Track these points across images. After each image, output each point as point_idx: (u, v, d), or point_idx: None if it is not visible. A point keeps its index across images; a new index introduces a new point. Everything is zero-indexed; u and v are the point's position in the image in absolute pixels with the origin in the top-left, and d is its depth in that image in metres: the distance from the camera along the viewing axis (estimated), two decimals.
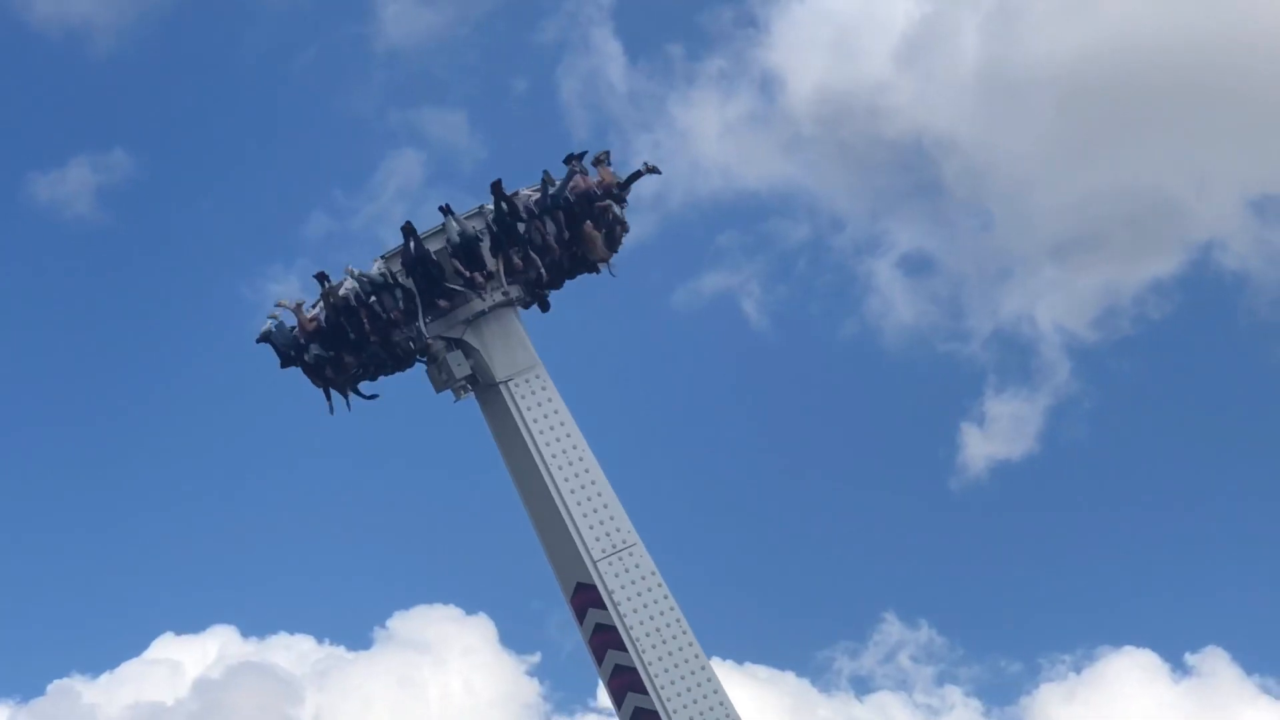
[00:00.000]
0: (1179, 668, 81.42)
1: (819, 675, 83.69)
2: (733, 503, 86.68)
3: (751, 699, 74.17)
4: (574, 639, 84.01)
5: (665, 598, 36.22)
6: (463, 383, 37.21)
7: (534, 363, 37.71)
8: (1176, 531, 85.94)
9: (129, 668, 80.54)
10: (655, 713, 35.37)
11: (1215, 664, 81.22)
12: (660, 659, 35.67)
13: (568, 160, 38.29)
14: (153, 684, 78.30)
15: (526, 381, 37.40)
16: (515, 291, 37.93)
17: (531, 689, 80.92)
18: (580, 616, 36.37)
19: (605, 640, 35.98)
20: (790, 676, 79.54)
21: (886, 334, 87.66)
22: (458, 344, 37.40)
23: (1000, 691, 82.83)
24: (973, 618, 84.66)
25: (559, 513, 36.46)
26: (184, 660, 79.32)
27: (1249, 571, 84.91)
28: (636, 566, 36.34)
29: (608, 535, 36.44)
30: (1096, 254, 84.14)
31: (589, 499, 36.69)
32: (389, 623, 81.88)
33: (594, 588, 36.01)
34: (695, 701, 35.55)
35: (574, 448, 37.10)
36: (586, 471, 36.95)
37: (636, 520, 36.83)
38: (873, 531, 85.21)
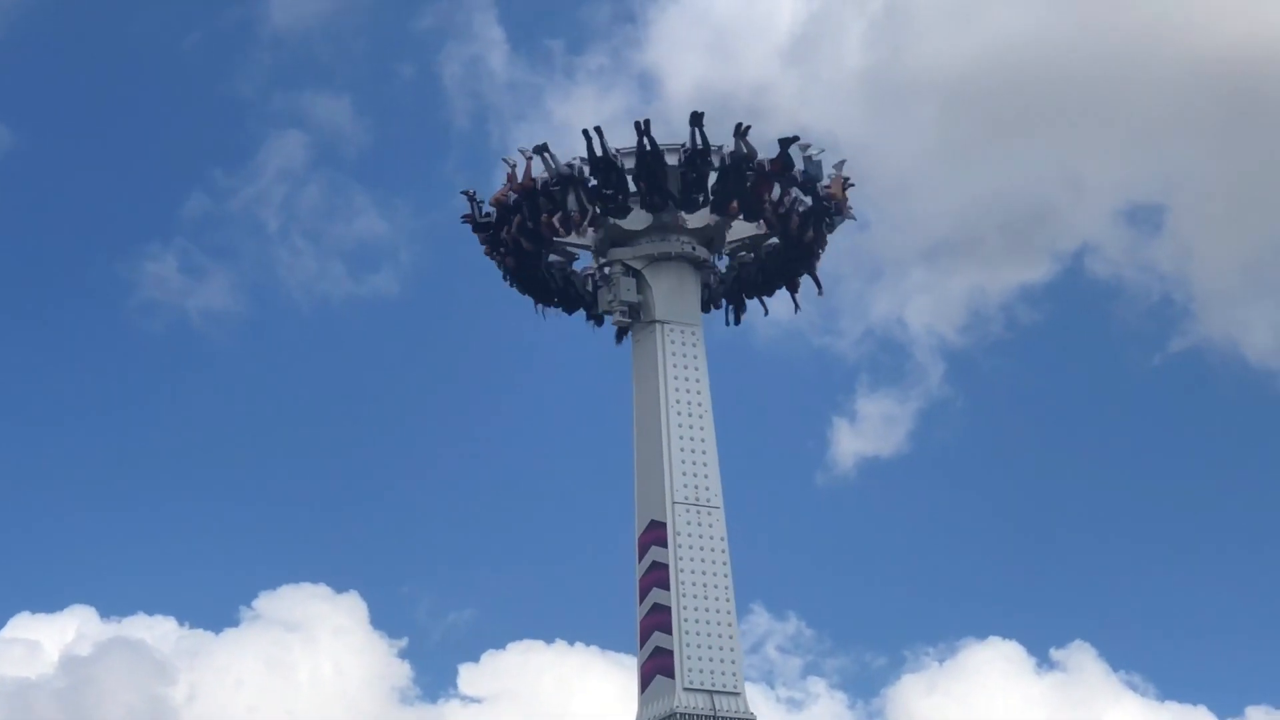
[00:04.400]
0: (1044, 661, 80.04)
1: None
2: (611, 495, 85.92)
3: (615, 687, 71.34)
4: (443, 625, 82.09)
5: (724, 564, 37.62)
6: (625, 307, 39.61)
7: (695, 321, 40.01)
8: (1045, 530, 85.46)
9: None
10: (672, 654, 36.60)
11: (1081, 659, 79.70)
12: (695, 610, 36.95)
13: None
14: (12, 662, 76.30)
15: (681, 332, 39.67)
16: (703, 252, 40.30)
17: (403, 672, 79.98)
18: (642, 553, 37.98)
19: (655, 578, 37.48)
20: None
21: (759, 328, 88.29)
22: (636, 274, 39.87)
23: (865, 683, 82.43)
24: (841, 610, 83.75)
25: (661, 453, 38.36)
26: (42, 639, 77.64)
27: (1118, 568, 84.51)
28: (710, 526, 37.90)
29: (695, 488, 38.14)
30: (968, 258, 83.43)
31: (692, 451, 38.51)
32: (255, 603, 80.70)
33: (664, 526, 37.67)
34: (710, 660, 36.62)
35: (698, 404, 39.06)
36: (701, 429, 38.84)
37: None
38: (741, 523, 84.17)
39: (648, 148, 38.77)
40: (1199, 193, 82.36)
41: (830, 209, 40.41)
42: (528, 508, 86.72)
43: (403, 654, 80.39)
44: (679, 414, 38.81)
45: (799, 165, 39.69)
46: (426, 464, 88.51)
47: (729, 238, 41.27)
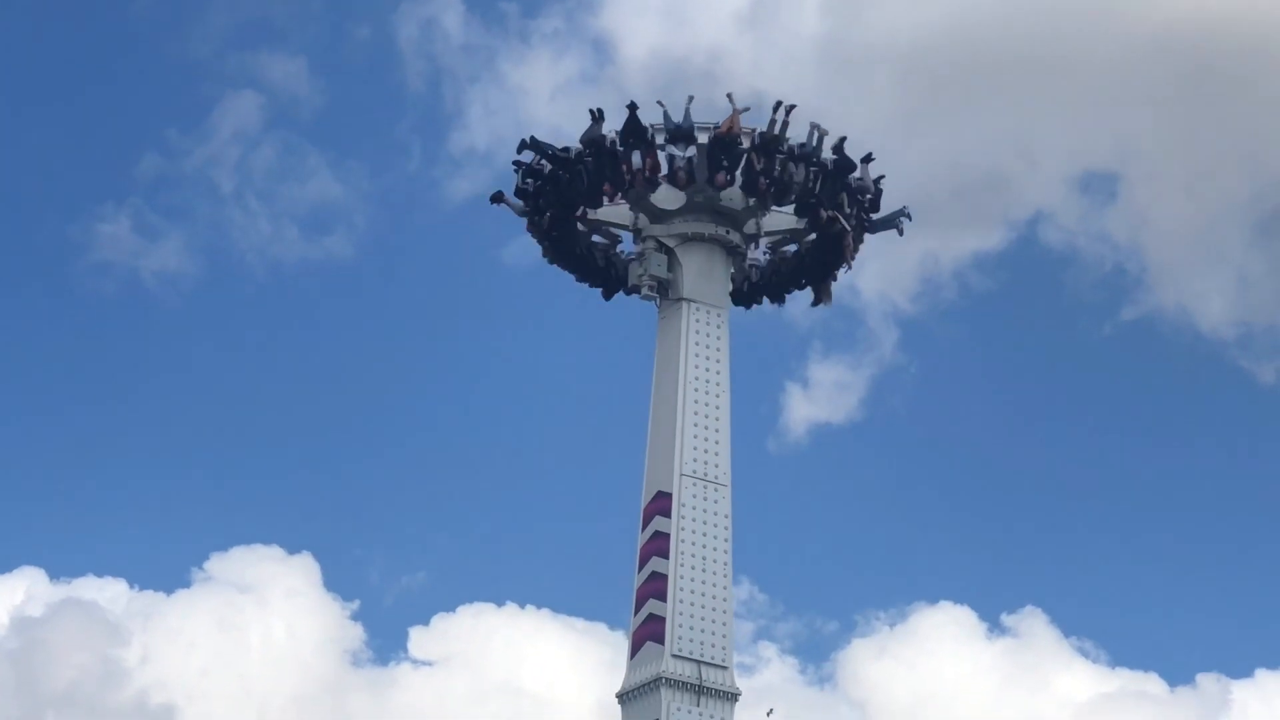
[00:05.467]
0: (995, 627, 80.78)
1: None
2: (561, 457, 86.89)
3: (569, 650, 75.04)
4: (396, 588, 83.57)
5: (725, 541, 38.07)
6: (654, 281, 40.13)
7: (722, 304, 40.54)
8: (997, 496, 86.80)
9: None
10: (664, 621, 37.00)
11: (1032, 624, 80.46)
12: (692, 582, 37.38)
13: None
14: None
15: (706, 312, 40.21)
16: (735, 238, 40.84)
17: (355, 634, 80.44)
18: (646, 522, 38.44)
19: (655, 547, 37.95)
20: (602, 628, 78.67)
21: None
22: (668, 252, 40.42)
23: (816, 648, 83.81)
24: (793, 575, 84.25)
25: (674, 426, 38.86)
26: None
27: (1069, 535, 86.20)
28: (715, 502, 38.38)
29: (704, 464, 38.64)
30: (921, 225, 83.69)
31: (705, 428, 39.02)
32: (206, 564, 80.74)
33: (669, 497, 38.14)
34: (702, 632, 37.07)
35: (716, 384, 39.56)
36: (717, 408, 39.35)
37: None
38: None
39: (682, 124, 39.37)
40: (1153, 161, 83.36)
41: (745, 147, 39.96)
42: (481, 470, 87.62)
43: (355, 616, 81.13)
44: (696, 390, 39.32)
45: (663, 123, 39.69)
46: (379, 426, 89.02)
47: (766, 227, 41.63)
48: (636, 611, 37.84)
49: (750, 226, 41.29)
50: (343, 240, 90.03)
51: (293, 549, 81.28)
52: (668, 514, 38.05)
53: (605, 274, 42.33)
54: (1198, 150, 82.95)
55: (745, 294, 42.56)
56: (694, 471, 38.44)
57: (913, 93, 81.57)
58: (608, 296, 42.69)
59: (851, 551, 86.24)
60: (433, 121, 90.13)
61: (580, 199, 40.64)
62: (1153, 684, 79.51)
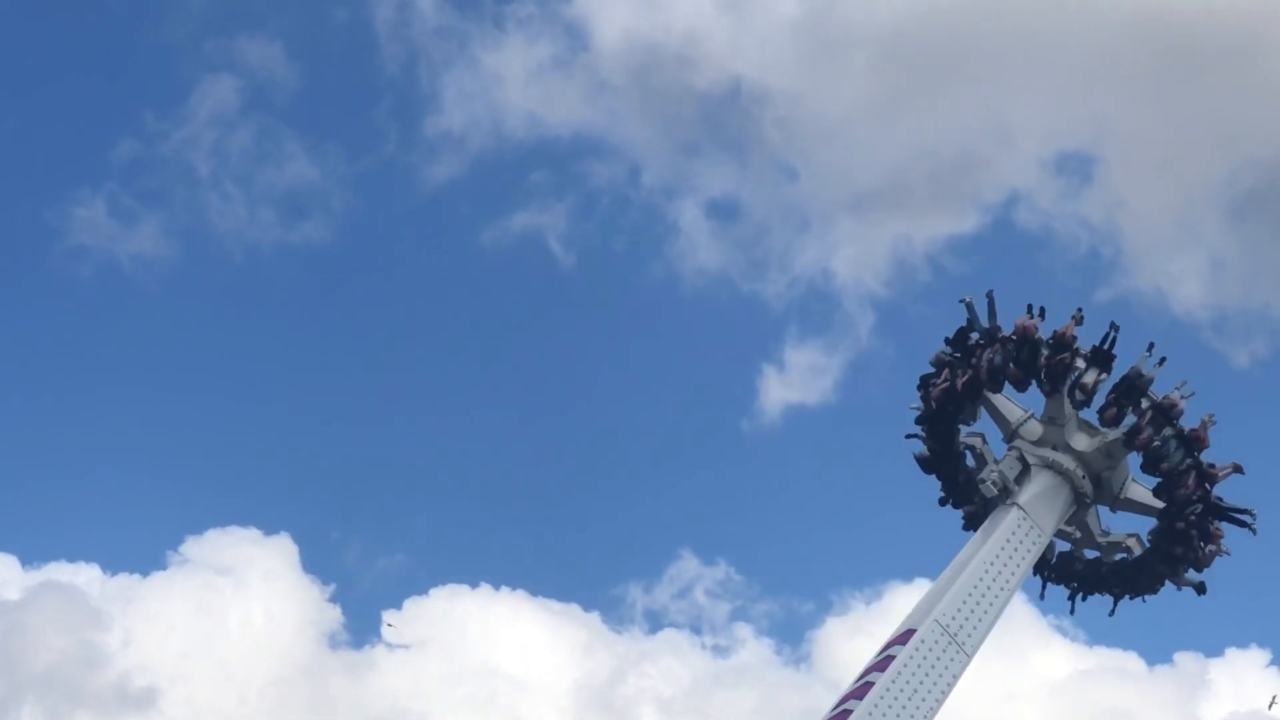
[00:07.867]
0: None
1: (611, 610, 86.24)
2: (539, 440, 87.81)
3: (545, 632, 76.33)
4: (373, 572, 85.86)
5: (942, 693, 40.03)
6: (1001, 482, 43.41)
7: (1046, 530, 43.49)
8: None
9: None
10: (850, 714, 39.22)
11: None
12: (895, 698, 39.48)
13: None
14: None
15: (1030, 530, 43.15)
16: (1087, 487, 43.96)
17: (334, 616, 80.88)
18: (883, 650, 40.96)
19: (879, 665, 40.35)
20: (577, 610, 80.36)
21: (687, 275, 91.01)
22: (1024, 466, 43.87)
23: (791, 628, 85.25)
24: (770, 555, 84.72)
25: (952, 583, 41.70)
26: None
27: None
28: (949, 661, 40.60)
29: (960, 625, 41.08)
30: (896, 209, 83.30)
31: (978, 602, 41.56)
32: (182, 548, 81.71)
33: (913, 634, 40.67)
34: None
35: (1006, 582, 42.13)
36: (995, 598, 41.85)
37: None
38: (670, 468, 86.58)
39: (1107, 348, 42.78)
40: (1129, 144, 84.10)
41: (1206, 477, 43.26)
42: (458, 451, 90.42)
43: (333, 599, 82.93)
44: (987, 574, 41.94)
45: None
46: (357, 408, 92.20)
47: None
48: (838, 705, 39.86)
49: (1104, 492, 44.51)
50: (320, 224, 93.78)
51: (270, 530, 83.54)
52: (904, 643, 40.53)
53: (955, 475, 45.47)
54: (1173, 132, 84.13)
55: (1065, 577, 46.02)
56: (947, 626, 40.96)
57: (889, 76, 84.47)
58: (969, 521, 45.74)
59: (826, 531, 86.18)
60: (409, 105, 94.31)
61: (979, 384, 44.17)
62: (1131, 662, 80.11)
